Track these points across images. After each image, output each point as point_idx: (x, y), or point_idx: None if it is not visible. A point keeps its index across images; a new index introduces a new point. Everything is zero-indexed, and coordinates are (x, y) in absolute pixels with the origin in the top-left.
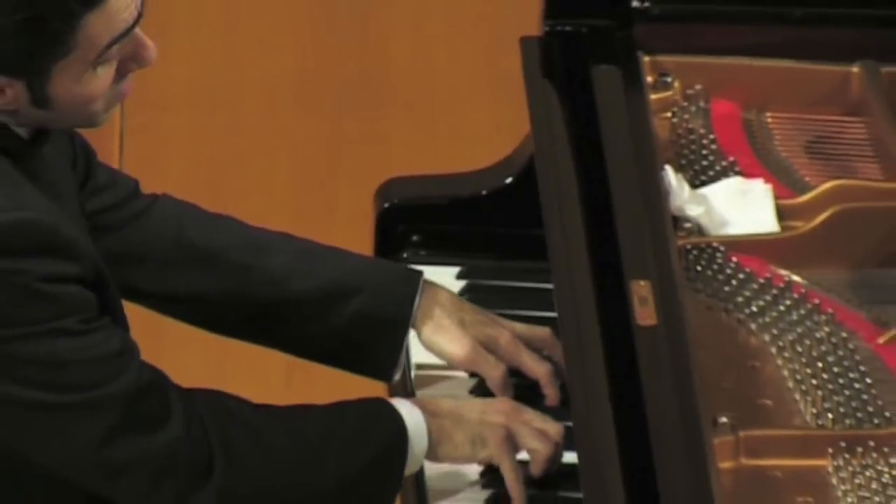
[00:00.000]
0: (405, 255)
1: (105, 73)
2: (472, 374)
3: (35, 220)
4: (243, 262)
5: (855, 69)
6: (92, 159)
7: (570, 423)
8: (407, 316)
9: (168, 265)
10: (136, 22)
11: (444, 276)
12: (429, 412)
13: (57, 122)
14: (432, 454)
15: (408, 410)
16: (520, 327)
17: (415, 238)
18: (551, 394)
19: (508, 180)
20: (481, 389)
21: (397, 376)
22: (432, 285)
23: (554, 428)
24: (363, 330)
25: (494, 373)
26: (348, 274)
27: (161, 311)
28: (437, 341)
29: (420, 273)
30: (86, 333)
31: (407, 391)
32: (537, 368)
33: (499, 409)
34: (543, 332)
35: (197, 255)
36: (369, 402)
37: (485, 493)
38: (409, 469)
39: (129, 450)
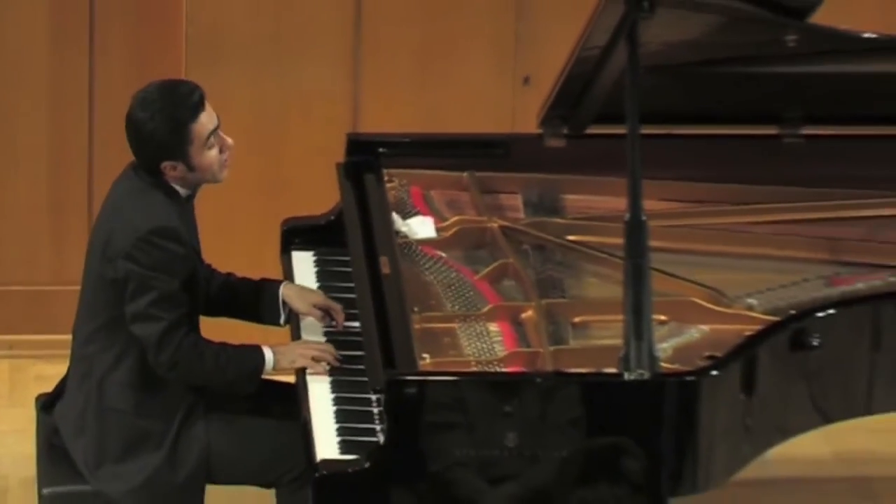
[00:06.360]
0: (291, 247)
1: (214, 150)
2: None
3: (171, 226)
4: (221, 284)
5: (465, 174)
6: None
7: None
8: (276, 292)
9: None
10: (217, 126)
11: (307, 257)
12: (275, 352)
13: (202, 179)
14: (276, 368)
15: (268, 350)
16: (327, 298)
17: (296, 241)
18: (340, 319)
19: (332, 218)
20: (329, 334)
21: (282, 322)
22: (288, 283)
23: (328, 348)
24: (264, 303)
25: (307, 314)
26: (253, 283)
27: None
28: (291, 304)
29: (282, 280)
30: (175, 285)
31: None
32: (334, 306)
33: (302, 346)
34: (337, 305)
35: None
36: (253, 346)
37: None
38: (265, 372)
39: (168, 337)
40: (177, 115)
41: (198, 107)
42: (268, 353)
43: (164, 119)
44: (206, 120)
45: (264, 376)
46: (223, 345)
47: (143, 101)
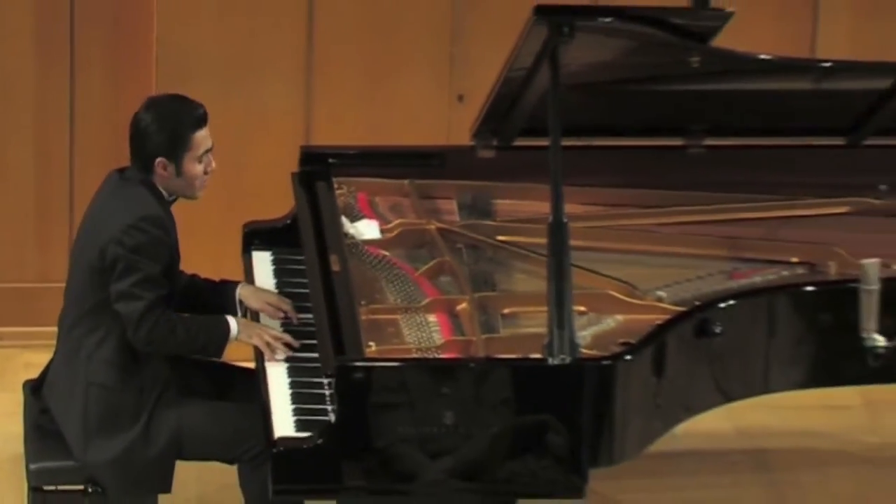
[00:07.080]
0: (252, 248)
1: (202, 166)
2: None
3: (158, 214)
4: (186, 283)
5: (406, 182)
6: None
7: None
8: (233, 292)
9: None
10: (210, 148)
11: (265, 256)
12: (238, 322)
13: (182, 189)
14: (237, 338)
15: (233, 320)
16: (279, 296)
17: (256, 242)
18: (293, 314)
19: (288, 221)
20: (286, 324)
21: (239, 316)
22: (244, 284)
23: (282, 336)
24: (223, 302)
25: (261, 311)
26: (214, 284)
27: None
28: (246, 302)
29: (239, 281)
30: (158, 269)
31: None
32: (286, 306)
33: (260, 327)
34: (287, 301)
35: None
36: (219, 317)
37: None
38: (230, 342)
39: (147, 315)
40: (182, 121)
41: (201, 120)
42: (232, 323)
43: (170, 121)
44: (205, 136)
45: (231, 362)
46: (192, 317)
47: (152, 104)
